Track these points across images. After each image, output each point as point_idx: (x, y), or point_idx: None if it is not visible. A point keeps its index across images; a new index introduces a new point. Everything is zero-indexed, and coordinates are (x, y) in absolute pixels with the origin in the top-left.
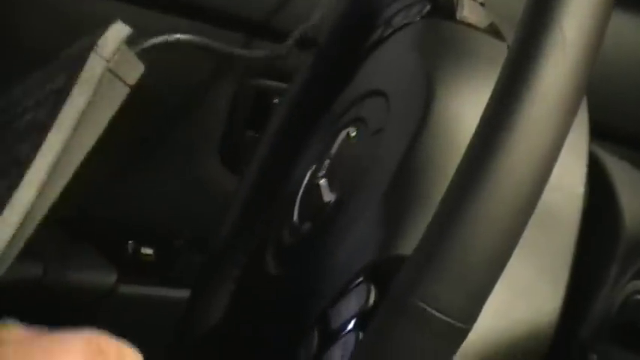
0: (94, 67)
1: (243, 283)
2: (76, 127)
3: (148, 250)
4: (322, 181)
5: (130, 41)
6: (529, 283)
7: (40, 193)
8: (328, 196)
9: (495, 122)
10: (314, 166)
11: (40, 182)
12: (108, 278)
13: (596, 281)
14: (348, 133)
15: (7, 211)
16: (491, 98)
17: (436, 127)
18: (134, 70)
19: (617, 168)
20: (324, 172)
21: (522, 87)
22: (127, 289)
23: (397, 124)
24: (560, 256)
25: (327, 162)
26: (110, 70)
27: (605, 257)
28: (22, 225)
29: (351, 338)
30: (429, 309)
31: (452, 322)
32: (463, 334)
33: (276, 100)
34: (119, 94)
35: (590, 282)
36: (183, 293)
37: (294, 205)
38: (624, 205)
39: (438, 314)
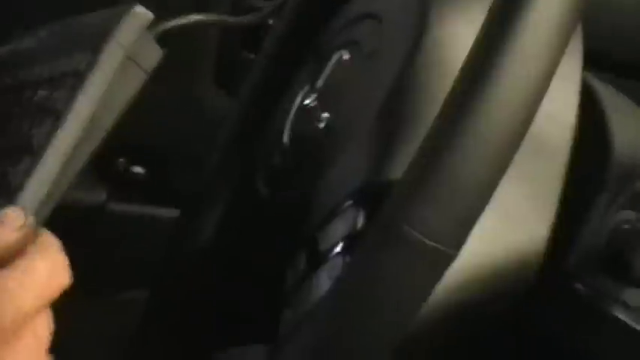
0: (113, 54)
1: (233, 204)
2: (92, 115)
3: (138, 169)
4: (314, 104)
5: (150, 25)
6: (518, 210)
7: (54, 182)
8: (319, 118)
9: (488, 46)
10: (306, 88)
11: (54, 173)
12: (98, 196)
13: (585, 210)
14: (341, 56)
15: (20, 200)
16: (485, 22)
17: (429, 51)
18: (153, 56)
19: (609, 97)
20: (316, 94)
21: (516, 11)
22: (117, 206)
23: (390, 48)
24: (549, 183)
25: (319, 84)
26: (129, 57)
27: (595, 186)
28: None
29: (339, 261)
30: (416, 233)
31: (439, 247)
32: (450, 259)
33: (271, 21)
34: (136, 81)
35: (579, 211)
36: (174, 213)
37: (284, 128)
38: (615, 134)
39: (425, 239)
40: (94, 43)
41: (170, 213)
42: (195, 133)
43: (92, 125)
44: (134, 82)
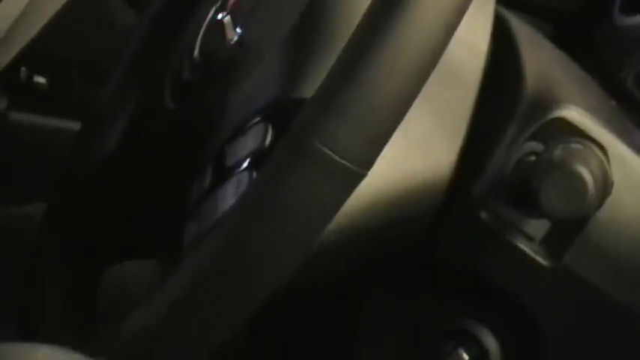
0: None
1: (138, 117)
2: (12, 26)
3: (41, 79)
4: (226, 18)
5: None
6: (427, 135)
7: None
8: (231, 34)
9: None
10: (218, 3)
11: None
12: None
13: (493, 139)
14: None
15: None
16: None
17: None
18: None
19: (521, 30)
20: (228, 8)
21: None
22: (17, 116)
23: None
24: (459, 111)
25: None
26: None
27: (504, 116)
28: None
29: (245, 176)
30: (326, 150)
31: (348, 165)
32: (359, 178)
33: None
34: None
35: (487, 140)
36: (76, 125)
37: (195, 41)
38: (526, 66)
39: (335, 156)
40: None
41: (72, 125)
42: (100, 46)
43: (10, 36)
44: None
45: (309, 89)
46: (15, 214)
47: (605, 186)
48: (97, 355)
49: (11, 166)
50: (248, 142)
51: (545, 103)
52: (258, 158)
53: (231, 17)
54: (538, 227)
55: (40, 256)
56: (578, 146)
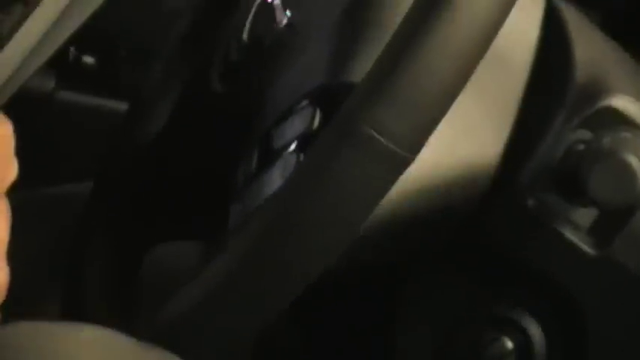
0: None
1: (186, 98)
2: (63, 10)
3: (89, 59)
4: (276, 1)
5: None
6: (475, 122)
7: (15, 73)
8: (281, 16)
9: None
10: None
11: (16, 63)
12: (46, 83)
13: (542, 127)
14: None
15: None
16: None
17: None
18: None
19: (572, 17)
20: None
21: None
22: (65, 95)
23: None
24: (508, 98)
25: None
26: None
27: (553, 104)
28: None
29: (292, 159)
30: (374, 134)
31: (396, 149)
32: (406, 163)
33: None
34: None
35: (535, 128)
36: (123, 105)
37: (244, 23)
38: (576, 53)
39: (383, 140)
40: None
41: (119, 105)
42: (148, 27)
43: (61, 20)
44: None
45: (358, 73)
46: (61, 193)
47: None
48: (141, 335)
49: (58, 146)
50: (295, 125)
51: (594, 91)
52: (306, 141)
53: (282, 0)
54: (585, 216)
55: (85, 235)
56: (628, 135)
